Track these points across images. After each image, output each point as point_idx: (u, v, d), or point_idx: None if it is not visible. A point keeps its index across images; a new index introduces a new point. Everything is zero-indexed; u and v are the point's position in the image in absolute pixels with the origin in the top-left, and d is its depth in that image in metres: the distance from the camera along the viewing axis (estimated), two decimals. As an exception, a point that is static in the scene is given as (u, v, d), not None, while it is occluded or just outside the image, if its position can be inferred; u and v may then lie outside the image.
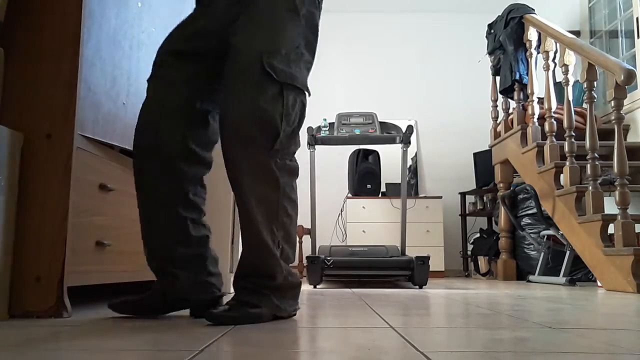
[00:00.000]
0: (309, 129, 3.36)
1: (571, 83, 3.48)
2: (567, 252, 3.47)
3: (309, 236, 3.44)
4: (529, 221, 4.04)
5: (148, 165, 1.38)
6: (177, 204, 1.39)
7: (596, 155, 3.07)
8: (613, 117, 2.94)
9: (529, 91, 3.95)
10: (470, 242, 5.14)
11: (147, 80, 1.43)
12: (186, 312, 1.43)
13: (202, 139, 1.43)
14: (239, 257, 1.38)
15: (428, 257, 2.97)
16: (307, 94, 1.40)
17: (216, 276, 1.46)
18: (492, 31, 4.53)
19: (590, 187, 3.08)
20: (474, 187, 5.26)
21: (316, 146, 3.42)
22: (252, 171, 1.31)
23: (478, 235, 4.96)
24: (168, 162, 1.37)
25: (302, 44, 1.40)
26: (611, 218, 2.94)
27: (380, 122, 3.47)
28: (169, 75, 1.40)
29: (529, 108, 3.94)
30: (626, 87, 2.90)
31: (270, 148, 1.31)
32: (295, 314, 1.40)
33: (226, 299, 1.38)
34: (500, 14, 4.44)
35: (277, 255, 1.34)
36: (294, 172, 1.40)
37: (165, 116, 1.37)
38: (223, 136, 1.33)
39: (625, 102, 3.25)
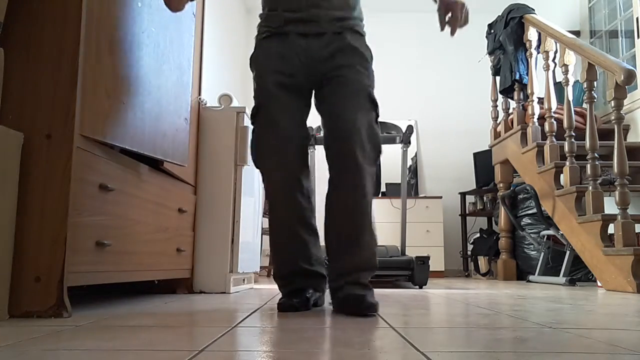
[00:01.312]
0: (309, 128, 3.35)
1: (571, 83, 3.48)
2: (567, 252, 3.47)
3: (309, 236, 3.43)
4: (529, 221, 4.04)
5: (283, 180, 1.63)
6: (301, 226, 1.68)
7: (596, 155, 3.07)
8: (613, 117, 2.94)
9: (529, 91, 3.95)
10: (470, 242, 5.14)
11: (259, 106, 1.68)
12: (185, 312, 1.43)
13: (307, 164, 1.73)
14: (340, 247, 1.62)
15: (428, 257, 2.97)
16: None
17: None
18: (492, 31, 4.53)
19: (590, 187, 3.08)
20: (474, 187, 5.26)
21: (316, 146, 3.42)
22: (369, 178, 1.61)
23: (478, 235, 4.96)
24: (296, 182, 1.65)
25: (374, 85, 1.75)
26: (611, 218, 2.94)
27: (380, 122, 3.46)
28: (281, 101, 1.67)
29: (529, 108, 3.94)
30: (626, 87, 2.90)
31: (375, 161, 1.64)
32: None
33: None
34: (500, 14, 4.44)
35: (376, 252, 1.65)
36: None
37: (290, 141, 1.64)
38: (345, 146, 1.58)
39: (625, 102, 3.25)
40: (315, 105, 1.74)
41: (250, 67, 1.79)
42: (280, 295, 1.74)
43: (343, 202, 1.60)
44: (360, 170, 1.57)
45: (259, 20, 1.83)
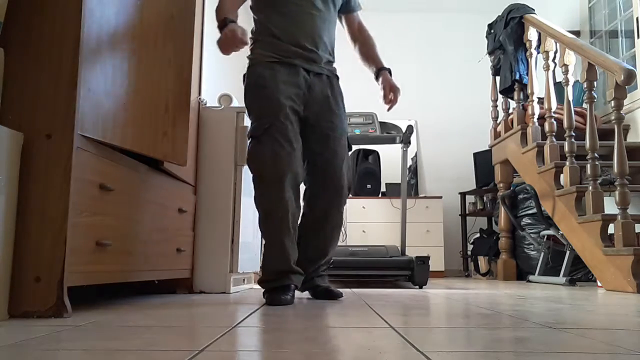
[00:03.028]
0: None
1: (571, 83, 3.47)
2: (567, 252, 3.47)
3: (309, 236, 3.43)
4: (529, 221, 4.04)
5: (289, 193, 1.85)
6: (294, 231, 1.92)
7: (596, 155, 3.07)
8: (613, 117, 2.94)
9: (529, 91, 3.95)
10: (470, 242, 5.14)
11: (273, 122, 1.84)
12: (185, 312, 1.43)
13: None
14: (319, 253, 2.04)
15: (428, 257, 2.97)
16: None
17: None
18: (492, 31, 4.53)
19: (590, 187, 3.08)
20: (474, 187, 5.26)
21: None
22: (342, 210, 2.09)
23: (478, 235, 4.96)
24: (297, 196, 1.91)
25: None
26: (611, 218, 2.94)
27: (380, 122, 3.47)
28: (293, 125, 1.90)
29: (529, 108, 3.94)
30: (626, 87, 2.90)
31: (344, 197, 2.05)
32: None
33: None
34: (500, 14, 4.44)
35: None
36: None
37: (297, 158, 1.88)
38: (337, 187, 2.00)
39: (625, 102, 3.25)
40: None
41: (254, 82, 1.93)
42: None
43: (331, 226, 2.03)
44: (343, 204, 2.05)
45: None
